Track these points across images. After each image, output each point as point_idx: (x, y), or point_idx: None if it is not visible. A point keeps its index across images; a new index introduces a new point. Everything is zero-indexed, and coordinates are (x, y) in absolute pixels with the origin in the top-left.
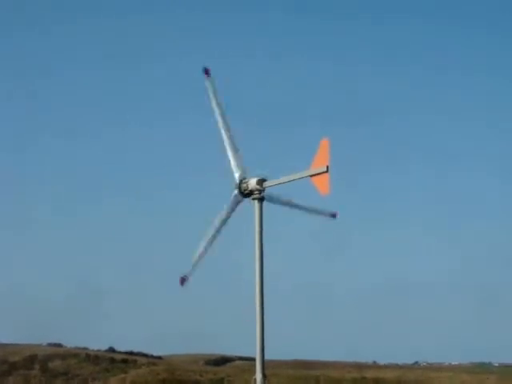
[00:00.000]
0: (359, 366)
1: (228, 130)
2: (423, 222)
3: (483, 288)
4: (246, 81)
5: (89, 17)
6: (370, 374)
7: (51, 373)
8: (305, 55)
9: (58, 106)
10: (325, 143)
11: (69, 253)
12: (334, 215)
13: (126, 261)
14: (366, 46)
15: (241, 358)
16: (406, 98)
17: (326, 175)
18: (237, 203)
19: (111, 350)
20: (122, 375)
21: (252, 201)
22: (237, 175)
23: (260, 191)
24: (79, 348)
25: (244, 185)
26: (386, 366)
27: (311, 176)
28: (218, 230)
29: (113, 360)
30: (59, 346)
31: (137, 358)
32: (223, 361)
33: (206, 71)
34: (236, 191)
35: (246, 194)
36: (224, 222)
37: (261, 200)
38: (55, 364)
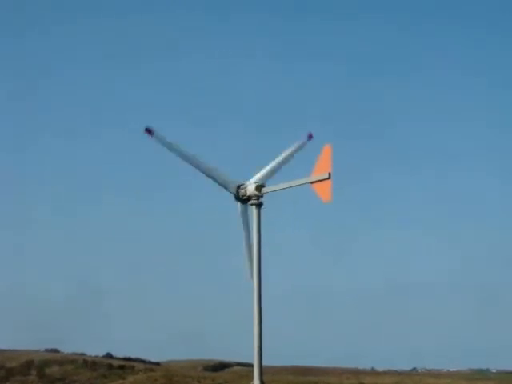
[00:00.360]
0: (357, 373)
1: (194, 162)
2: (423, 222)
3: (483, 288)
4: (246, 81)
5: (89, 17)
6: (368, 381)
7: (48, 379)
8: (305, 55)
9: (58, 105)
10: (327, 149)
11: (69, 253)
12: (310, 136)
13: (126, 261)
14: (366, 46)
15: (239, 364)
16: (406, 98)
17: (328, 182)
18: (246, 212)
19: (109, 355)
20: (120, 381)
21: (250, 206)
22: (232, 187)
23: (258, 197)
24: (76, 354)
25: (242, 191)
26: (384, 373)
27: (312, 183)
28: (248, 244)
29: (110, 366)
30: (56, 351)
31: (134, 363)
32: (221, 366)
33: (149, 131)
34: (239, 205)
35: (244, 199)
36: (248, 238)
37: (259, 206)
38: (52, 370)
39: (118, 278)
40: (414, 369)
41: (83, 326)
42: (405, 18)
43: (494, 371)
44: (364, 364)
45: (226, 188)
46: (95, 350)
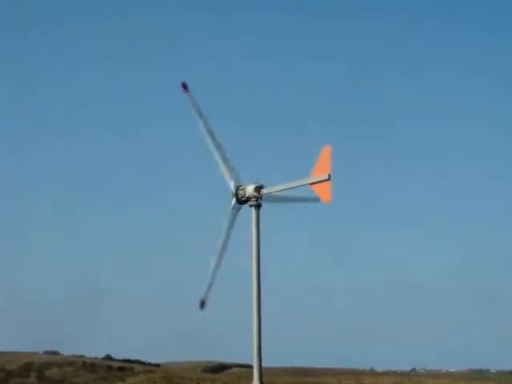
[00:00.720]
0: (356, 373)
1: (216, 142)
2: (423, 222)
3: (483, 288)
4: (246, 81)
5: (89, 17)
6: (367, 381)
7: (48, 381)
8: (305, 55)
9: (58, 105)
10: (327, 151)
11: (69, 253)
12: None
13: (126, 261)
14: (366, 46)
15: (238, 365)
16: (406, 98)
17: (328, 183)
18: (237, 211)
19: (108, 357)
20: (119, 383)
21: (249, 207)
22: (231, 184)
23: (257, 198)
24: (76, 356)
25: (241, 192)
26: (383, 373)
27: (311, 184)
28: (225, 244)
29: (110, 368)
30: (56, 353)
31: (134, 365)
32: (221, 368)
33: (184, 86)
34: (233, 201)
35: (242, 200)
36: (228, 234)
37: (258, 207)
38: (52, 372)
39: (118, 278)
40: (414, 369)
41: (83, 327)
42: (405, 18)
43: (494, 371)
44: (363, 364)
45: (231, 177)
46: (95, 352)
